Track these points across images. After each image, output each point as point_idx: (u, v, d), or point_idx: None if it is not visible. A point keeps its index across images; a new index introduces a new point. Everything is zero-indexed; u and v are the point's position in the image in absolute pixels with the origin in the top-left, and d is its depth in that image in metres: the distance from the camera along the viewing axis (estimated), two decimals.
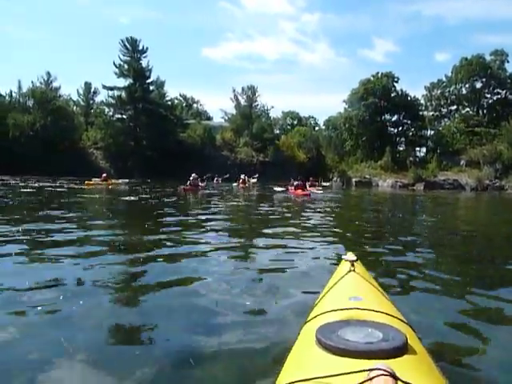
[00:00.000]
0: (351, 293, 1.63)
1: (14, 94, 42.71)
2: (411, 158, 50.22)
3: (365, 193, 26.46)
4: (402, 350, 1.15)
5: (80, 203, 11.10)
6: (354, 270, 1.85)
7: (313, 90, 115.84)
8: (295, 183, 19.49)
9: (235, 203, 12.97)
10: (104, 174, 22.84)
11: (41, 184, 19.49)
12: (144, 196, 14.25)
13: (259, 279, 3.45)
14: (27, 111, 39.93)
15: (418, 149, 55.12)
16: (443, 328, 2.44)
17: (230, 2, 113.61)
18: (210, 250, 4.58)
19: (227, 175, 31.67)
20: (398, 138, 54.53)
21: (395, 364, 1.02)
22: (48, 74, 45.68)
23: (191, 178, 18.72)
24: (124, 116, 44.74)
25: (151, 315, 2.59)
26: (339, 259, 2.24)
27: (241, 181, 25.56)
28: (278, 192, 19.68)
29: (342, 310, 1.44)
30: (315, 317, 1.51)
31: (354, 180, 44.43)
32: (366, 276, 1.92)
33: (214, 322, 2.46)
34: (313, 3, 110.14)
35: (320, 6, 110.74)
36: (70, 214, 7.82)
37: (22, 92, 42.26)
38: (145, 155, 40.36)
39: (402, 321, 1.45)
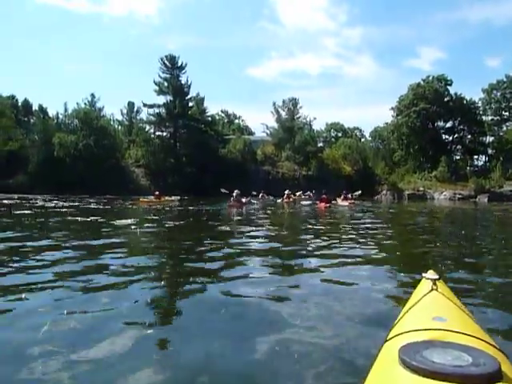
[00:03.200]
0: (434, 313, 1.50)
1: (60, 116, 44.02)
2: (470, 168, 45.98)
3: (421, 207, 23.45)
4: (495, 376, 1.04)
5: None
6: (436, 289, 1.72)
7: (357, 103, 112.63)
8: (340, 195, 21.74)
9: (278, 221, 11.53)
10: (156, 192, 23.42)
11: (65, 204, 18.49)
12: (179, 216, 12.76)
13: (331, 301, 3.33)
14: (72, 132, 40.73)
15: (476, 157, 50.72)
16: None
17: (271, 21, 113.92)
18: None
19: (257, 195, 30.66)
20: (453, 146, 50.37)
21: None
22: (92, 95, 46.88)
23: (234, 194, 18.80)
24: (164, 133, 44.66)
25: None
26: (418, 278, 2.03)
27: (285, 196, 25.20)
28: (305, 206, 20.86)
29: (425, 330, 1.35)
30: (397, 335, 1.43)
31: (406, 193, 40.96)
32: (450, 296, 1.75)
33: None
34: (354, 17, 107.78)
35: (361, 19, 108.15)
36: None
37: (67, 113, 43.40)
38: (185, 172, 39.79)
39: (493, 346, 1.31)
